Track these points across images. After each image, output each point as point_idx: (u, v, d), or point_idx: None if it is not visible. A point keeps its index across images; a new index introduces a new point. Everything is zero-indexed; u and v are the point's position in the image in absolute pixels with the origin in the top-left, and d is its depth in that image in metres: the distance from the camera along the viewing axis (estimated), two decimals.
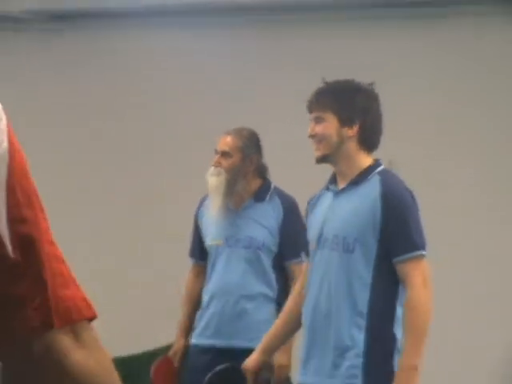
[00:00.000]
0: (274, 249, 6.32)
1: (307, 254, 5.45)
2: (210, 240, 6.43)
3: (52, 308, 1.17)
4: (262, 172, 6.46)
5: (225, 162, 6.31)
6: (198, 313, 6.47)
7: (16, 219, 1.13)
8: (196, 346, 6.40)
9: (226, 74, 10.03)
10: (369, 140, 5.26)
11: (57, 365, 1.19)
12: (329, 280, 5.11)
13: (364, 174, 5.16)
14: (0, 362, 1.34)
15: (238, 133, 6.44)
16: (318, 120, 5.23)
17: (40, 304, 1.17)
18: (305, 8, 9.85)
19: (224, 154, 6.34)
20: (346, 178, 5.18)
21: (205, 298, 6.41)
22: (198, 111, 10.00)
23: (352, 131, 5.16)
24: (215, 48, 10.07)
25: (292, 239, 6.14)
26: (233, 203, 6.40)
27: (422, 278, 5.00)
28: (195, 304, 6.53)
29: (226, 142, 6.40)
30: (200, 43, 10.00)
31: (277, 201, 6.38)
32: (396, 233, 5.06)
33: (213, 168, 6.34)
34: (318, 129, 5.21)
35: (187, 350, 6.49)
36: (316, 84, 5.41)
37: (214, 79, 9.97)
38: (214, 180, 6.31)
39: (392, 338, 5.00)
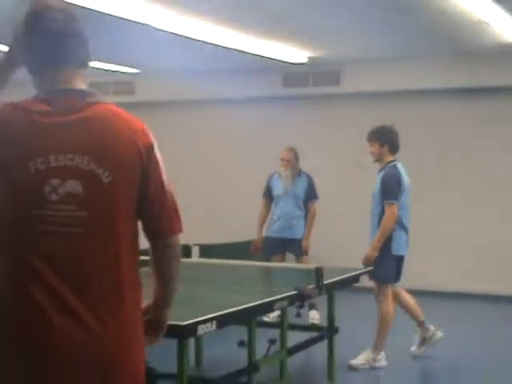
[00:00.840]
0: (303, 196, 10.94)
1: (317, 198, 11.10)
2: (277, 192, 11.02)
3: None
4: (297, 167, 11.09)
5: (287, 164, 10.91)
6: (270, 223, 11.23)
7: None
8: (269, 237, 11.02)
9: None
10: (393, 150, 8.92)
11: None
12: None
13: (386, 165, 8.81)
14: (152, 247, 3.25)
15: (290, 149, 11.05)
16: (370, 145, 8.95)
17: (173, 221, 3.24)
18: None
19: (286, 160, 10.91)
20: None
21: (273, 218, 11.11)
22: None
23: (382, 150, 8.83)
24: None
25: (311, 192, 11.00)
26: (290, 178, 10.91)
27: (391, 212, 8.47)
28: (265, 220, 11.23)
29: (286, 154, 10.96)
30: None
31: (304, 177, 11.10)
32: (384, 192, 8.58)
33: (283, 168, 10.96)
34: (371, 149, 8.92)
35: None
36: None
37: None
38: (283, 170, 10.95)
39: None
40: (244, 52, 11.27)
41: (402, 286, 8.85)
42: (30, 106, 2.95)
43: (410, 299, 8.77)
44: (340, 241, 12.86)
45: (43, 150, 2.86)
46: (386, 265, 8.39)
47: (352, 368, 8.28)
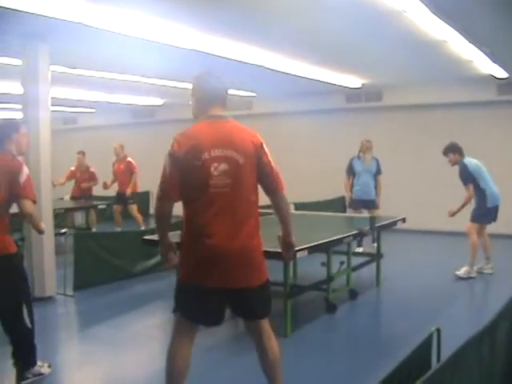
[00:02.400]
0: (374, 172, 10.43)
1: (381, 173, 10.56)
2: (358, 169, 10.45)
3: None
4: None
5: (367, 150, 10.50)
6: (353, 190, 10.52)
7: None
8: (354, 198, 10.48)
9: None
10: (459, 155, 8.43)
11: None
12: None
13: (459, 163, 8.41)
14: (272, 200, 3.85)
15: (368, 140, 10.51)
16: (447, 156, 8.51)
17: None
18: None
19: (366, 147, 10.48)
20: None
21: (356, 188, 10.42)
22: None
23: (455, 156, 8.42)
24: None
25: (379, 169, 10.53)
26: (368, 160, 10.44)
27: (468, 191, 8.24)
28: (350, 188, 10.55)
29: (366, 143, 10.53)
30: None
31: (374, 159, 10.53)
32: (461, 179, 8.32)
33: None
34: (449, 159, 8.49)
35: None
36: None
37: None
38: (364, 154, 10.51)
39: None
40: (321, 81, 11.25)
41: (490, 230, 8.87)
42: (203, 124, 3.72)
43: (487, 239, 8.67)
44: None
45: (208, 147, 3.57)
46: (478, 212, 8.41)
47: (458, 276, 8.38)
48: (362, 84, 12.35)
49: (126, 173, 12.14)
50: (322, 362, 5.24)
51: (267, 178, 3.74)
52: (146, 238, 6.68)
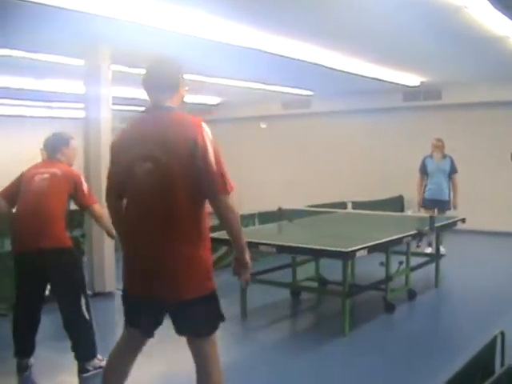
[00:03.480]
0: (448, 171, 9.94)
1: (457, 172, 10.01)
2: (430, 169, 10.04)
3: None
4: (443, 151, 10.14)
5: (439, 149, 10.10)
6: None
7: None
8: (426, 198, 10.04)
9: None
10: None
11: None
12: None
13: None
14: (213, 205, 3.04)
15: (439, 139, 10.16)
16: None
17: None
18: None
19: (437, 146, 10.09)
20: None
21: (428, 187, 10.01)
22: None
23: None
24: None
25: (453, 168, 10.01)
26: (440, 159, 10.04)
27: None
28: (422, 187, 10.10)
29: (436, 142, 10.16)
30: None
31: (447, 158, 10.07)
32: None
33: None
34: None
35: None
36: None
37: None
38: (436, 153, 10.12)
39: None
40: (378, 79, 11.09)
41: None
42: None
43: None
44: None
45: (134, 143, 3.19)
46: None
47: None
48: (421, 82, 12.13)
49: None
50: (379, 362, 5.15)
51: (203, 180, 2.99)
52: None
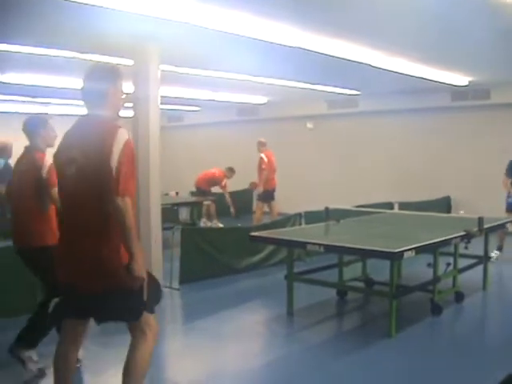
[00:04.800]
0: None
1: None
2: None
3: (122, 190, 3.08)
4: None
5: None
6: None
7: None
8: None
9: None
10: None
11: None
12: None
13: None
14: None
15: None
16: None
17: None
18: None
19: None
20: None
21: None
22: None
23: None
24: None
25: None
26: None
27: None
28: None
29: None
30: None
31: None
32: None
33: None
34: None
35: None
36: None
37: None
38: None
39: None
40: (425, 79, 10.94)
41: None
42: None
43: None
44: None
45: (65, 147, 3.48)
46: None
47: None
48: (469, 81, 11.91)
49: (258, 169, 12.07)
50: (425, 364, 5.07)
51: (111, 183, 3.15)
52: (252, 234, 6.70)
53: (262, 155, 11.93)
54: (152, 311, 3.50)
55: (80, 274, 3.29)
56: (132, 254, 3.19)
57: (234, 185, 14.12)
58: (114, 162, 3.14)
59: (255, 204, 11.98)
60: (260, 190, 11.82)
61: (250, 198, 15.13)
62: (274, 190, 11.96)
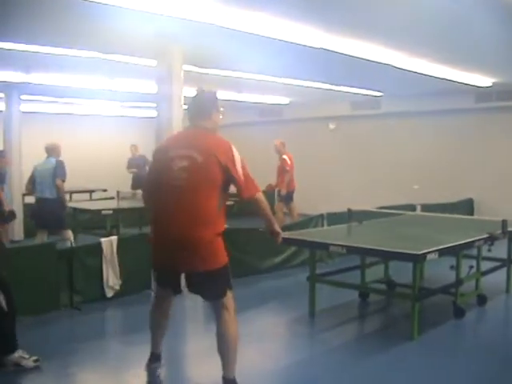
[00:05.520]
0: None
1: None
2: None
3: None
4: None
5: None
6: None
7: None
8: None
9: None
10: None
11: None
12: None
13: None
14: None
15: None
16: None
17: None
18: None
19: None
20: None
21: None
22: None
23: None
24: None
25: None
26: None
27: None
28: None
29: None
30: None
31: None
32: None
33: None
34: None
35: None
36: None
37: None
38: None
39: None
40: (448, 80, 10.86)
41: None
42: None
43: None
44: None
45: (172, 147, 4.19)
46: None
47: None
48: (493, 83, 11.80)
49: (280, 171, 11.94)
50: (448, 367, 5.03)
51: (234, 183, 4.07)
52: None
53: (285, 157, 11.87)
54: (232, 287, 4.31)
55: (184, 257, 3.97)
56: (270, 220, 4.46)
57: None
58: (237, 169, 4.00)
59: (276, 206, 11.91)
60: (283, 191, 11.76)
61: (270, 200, 15.04)
62: (294, 192, 11.92)
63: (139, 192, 13.95)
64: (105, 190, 14.44)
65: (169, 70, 7.59)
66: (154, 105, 7.86)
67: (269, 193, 13.22)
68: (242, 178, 4.00)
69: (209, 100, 4.32)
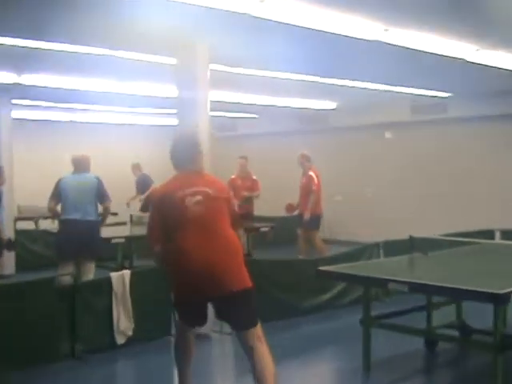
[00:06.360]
0: None
1: None
2: None
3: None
4: None
5: None
6: None
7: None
8: None
9: None
10: None
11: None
12: None
13: None
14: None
15: None
16: None
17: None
18: None
19: None
20: None
21: None
22: None
23: None
24: None
25: None
26: None
27: None
28: None
29: None
30: None
31: None
32: None
33: None
34: None
35: None
36: None
37: None
38: None
39: None
40: None
41: None
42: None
43: None
44: None
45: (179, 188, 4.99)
46: None
47: None
48: None
49: (305, 189, 11.82)
50: None
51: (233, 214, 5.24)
52: (321, 269, 6.57)
53: (312, 174, 11.74)
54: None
55: (216, 281, 4.68)
56: None
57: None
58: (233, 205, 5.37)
59: (301, 233, 11.78)
60: (307, 215, 11.54)
61: (290, 224, 14.73)
62: (320, 217, 11.78)
63: (147, 215, 14.08)
64: (115, 214, 14.49)
65: (192, 70, 7.57)
66: (171, 111, 7.82)
67: (288, 215, 13.10)
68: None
69: (192, 146, 5.24)
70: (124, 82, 11.26)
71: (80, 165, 8.71)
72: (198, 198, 4.87)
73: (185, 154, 5.19)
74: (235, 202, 10.17)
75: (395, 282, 5.80)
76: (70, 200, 8.45)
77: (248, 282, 4.82)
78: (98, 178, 8.62)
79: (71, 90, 11.46)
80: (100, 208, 8.75)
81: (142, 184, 14.36)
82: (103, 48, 8.21)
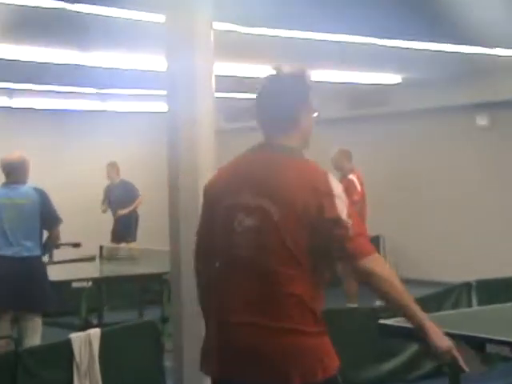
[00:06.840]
0: None
1: None
2: None
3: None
4: None
5: None
6: None
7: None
8: None
9: None
10: None
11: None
12: None
13: None
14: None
15: None
16: None
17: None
18: None
19: None
20: None
21: None
22: None
23: None
24: None
25: None
26: None
27: None
28: None
29: None
30: None
31: None
32: None
33: None
34: None
35: None
36: None
37: None
38: None
39: None
40: None
41: None
42: None
43: None
44: None
45: (233, 191, 4.03)
46: None
47: None
48: None
49: None
50: None
51: (332, 244, 3.77)
52: (384, 322, 6.45)
53: (352, 177, 11.74)
54: None
55: (263, 367, 3.74)
56: (418, 320, 3.84)
57: None
58: (343, 219, 3.66)
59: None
60: None
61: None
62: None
63: (124, 247, 13.95)
64: (76, 245, 14.47)
65: (187, 32, 7.50)
66: (164, 92, 7.75)
67: None
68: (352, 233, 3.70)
69: (294, 93, 4.03)
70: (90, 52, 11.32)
71: (15, 173, 8.52)
72: (252, 221, 3.80)
73: (273, 110, 4.01)
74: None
75: (496, 344, 5.80)
76: (0, 229, 8.38)
77: (325, 371, 3.91)
78: (40, 192, 8.48)
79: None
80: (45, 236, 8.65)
81: (122, 195, 14.10)
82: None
